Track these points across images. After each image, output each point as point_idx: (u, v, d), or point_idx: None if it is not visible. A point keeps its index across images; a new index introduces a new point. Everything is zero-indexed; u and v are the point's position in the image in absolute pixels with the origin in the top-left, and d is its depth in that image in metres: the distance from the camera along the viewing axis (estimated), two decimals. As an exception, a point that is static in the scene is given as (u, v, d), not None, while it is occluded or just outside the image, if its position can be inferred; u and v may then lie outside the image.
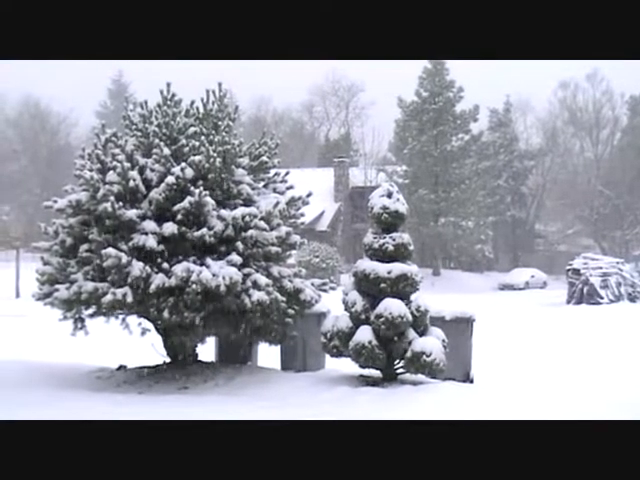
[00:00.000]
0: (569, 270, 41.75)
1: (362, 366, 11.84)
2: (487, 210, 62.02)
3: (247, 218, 11.69)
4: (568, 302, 40.39)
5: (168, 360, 13.06)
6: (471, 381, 12.38)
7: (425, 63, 60.22)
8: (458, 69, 57.91)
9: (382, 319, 11.32)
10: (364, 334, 11.48)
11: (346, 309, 12.01)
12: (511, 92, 74.36)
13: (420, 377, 11.69)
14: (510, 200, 70.82)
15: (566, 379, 14.23)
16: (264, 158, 13.17)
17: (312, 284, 12.93)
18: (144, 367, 13.21)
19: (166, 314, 11.32)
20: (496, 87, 71.97)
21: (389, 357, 11.65)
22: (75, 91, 79.68)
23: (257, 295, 11.47)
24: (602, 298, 39.17)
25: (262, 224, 11.90)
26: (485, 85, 70.44)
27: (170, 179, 11.74)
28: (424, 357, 11.22)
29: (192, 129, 12.57)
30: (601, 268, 40.53)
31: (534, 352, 19.20)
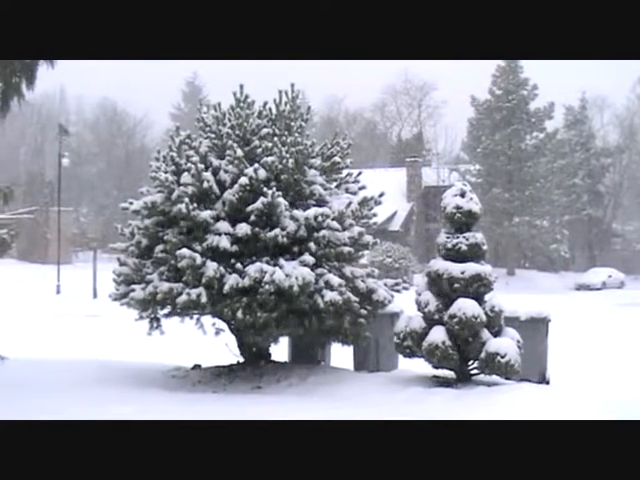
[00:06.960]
0: (648, 270, 40.95)
1: (435, 367, 11.78)
2: (563, 209, 61.12)
3: (320, 218, 11.72)
4: (647, 302, 39.60)
5: (242, 360, 13.16)
6: (547, 382, 12.20)
7: (499, 61, 59.58)
8: (532, 67, 57.11)
9: (456, 319, 11.23)
10: (437, 334, 11.40)
11: (419, 309, 11.94)
12: (587, 89, 72.46)
13: (494, 378, 11.57)
14: (586, 199, 69.47)
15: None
16: (336, 158, 13.19)
17: (385, 284, 12.89)
18: (218, 367, 13.33)
19: (240, 314, 11.41)
20: (572, 84, 70.68)
21: (463, 358, 11.56)
22: (150, 94, 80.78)
23: (330, 295, 11.49)
24: (682, 298, 38.34)
25: (334, 224, 11.92)
26: (560, 82, 69.27)
27: (243, 180, 11.83)
28: (499, 358, 11.10)
29: (265, 130, 12.65)
30: (681, 267, 39.67)
31: (611, 353, 18.84)
